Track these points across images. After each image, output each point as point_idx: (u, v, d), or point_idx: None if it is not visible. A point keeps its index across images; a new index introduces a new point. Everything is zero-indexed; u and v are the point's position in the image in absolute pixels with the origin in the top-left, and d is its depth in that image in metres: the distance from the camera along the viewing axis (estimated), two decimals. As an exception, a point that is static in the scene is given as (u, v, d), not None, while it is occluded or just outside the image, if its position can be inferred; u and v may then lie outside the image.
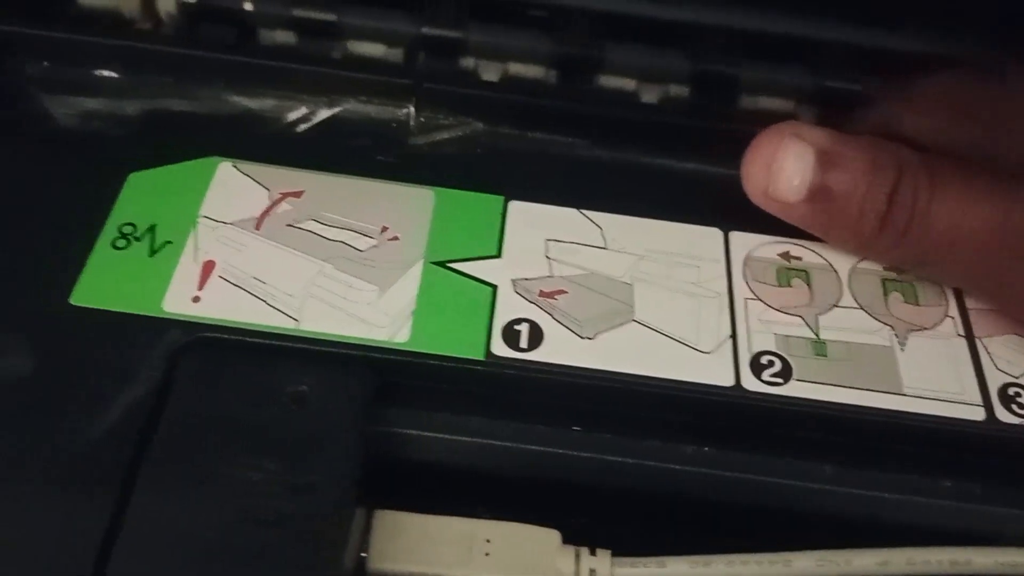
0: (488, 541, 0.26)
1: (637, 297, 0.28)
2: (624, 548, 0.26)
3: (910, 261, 0.28)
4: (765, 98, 0.38)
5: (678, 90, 0.38)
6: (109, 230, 0.28)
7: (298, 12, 0.38)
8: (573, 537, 0.26)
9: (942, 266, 0.27)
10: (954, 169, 0.27)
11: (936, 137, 0.28)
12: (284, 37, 0.39)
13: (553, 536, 0.26)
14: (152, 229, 0.28)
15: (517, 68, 0.38)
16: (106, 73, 0.34)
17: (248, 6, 0.38)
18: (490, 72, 0.38)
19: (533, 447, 0.26)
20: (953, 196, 0.26)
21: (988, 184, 0.26)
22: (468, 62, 0.38)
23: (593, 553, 0.26)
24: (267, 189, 0.29)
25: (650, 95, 0.38)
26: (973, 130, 0.29)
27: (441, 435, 0.26)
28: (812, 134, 0.27)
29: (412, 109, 0.34)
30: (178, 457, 0.24)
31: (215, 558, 0.22)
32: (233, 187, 0.29)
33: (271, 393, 0.25)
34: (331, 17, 0.38)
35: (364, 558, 0.25)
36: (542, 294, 0.28)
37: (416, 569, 0.25)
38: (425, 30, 0.37)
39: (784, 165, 0.27)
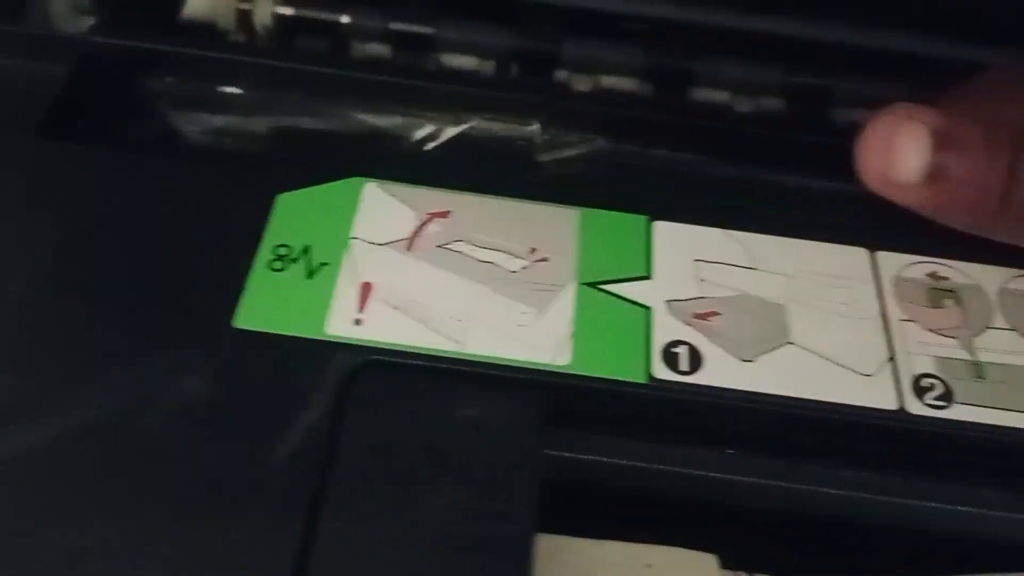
0: (649, 566, 0.26)
1: (791, 319, 0.28)
2: (783, 574, 0.26)
3: None
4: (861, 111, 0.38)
5: (771, 103, 0.38)
6: (264, 252, 0.28)
7: (394, 25, 0.38)
8: (731, 561, 0.26)
9: None
10: None
11: None
12: (377, 49, 0.39)
13: (711, 561, 0.26)
14: (307, 251, 0.28)
15: (610, 81, 0.38)
16: (231, 90, 0.34)
17: (345, 19, 0.38)
18: (582, 84, 0.38)
19: (693, 471, 0.26)
20: None
21: None
22: (561, 75, 0.38)
23: (752, 576, 0.26)
24: (414, 210, 0.29)
25: (743, 107, 0.38)
26: None
27: (602, 458, 0.26)
28: (926, 114, 0.26)
29: (538, 126, 0.34)
30: (360, 482, 0.24)
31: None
32: (381, 208, 0.29)
33: (444, 415, 0.25)
34: (427, 30, 0.38)
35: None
36: (697, 316, 0.28)
37: (577, 593, 0.25)
38: (521, 42, 0.37)
39: (901, 147, 0.26)
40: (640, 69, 0.38)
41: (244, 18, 0.39)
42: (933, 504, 0.26)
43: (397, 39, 0.39)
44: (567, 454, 0.26)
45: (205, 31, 0.39)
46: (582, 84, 0.39)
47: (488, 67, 0.39)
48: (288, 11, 0.39)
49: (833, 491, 0.26)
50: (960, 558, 0.26)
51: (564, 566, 0.25)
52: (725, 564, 0.26)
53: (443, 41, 0.39)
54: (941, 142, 0.26)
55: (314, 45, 0.40)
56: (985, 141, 0.26)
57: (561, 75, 0.39)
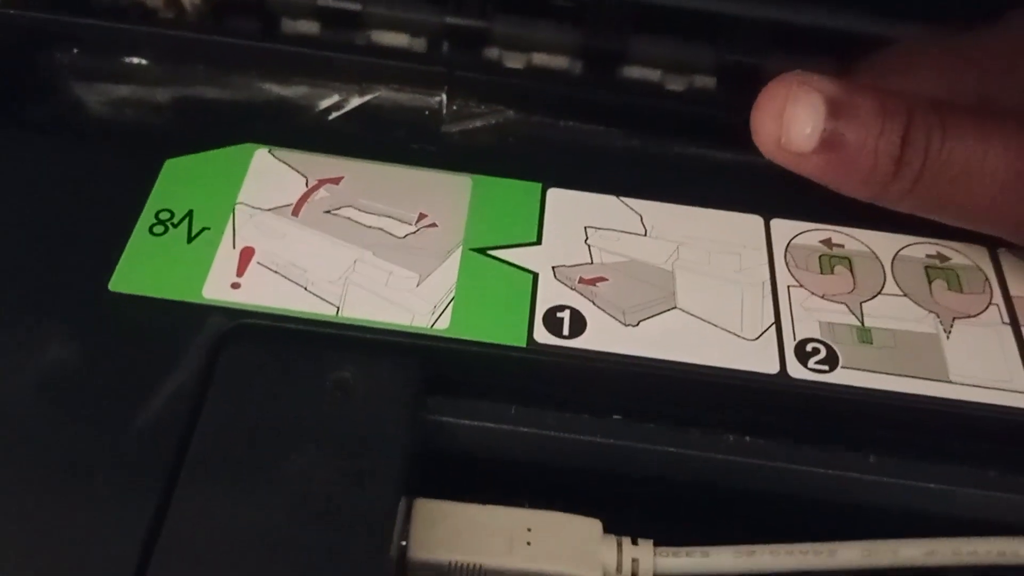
0: (529, 530, 0.25)
1: (679, 285, 0.28)
2: (667, 538, 0.26)
3: (927, 205, 0.27)
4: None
5: (703, 81, 0.38)
6: (146, 216, 0.27)
7: (322, 2, 0.38)
8: (615, 527, 0.26)
9: (960, 209, 0.27)
10: (964, 110, 0.26)
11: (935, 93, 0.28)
12: (307, 27, 0.39)
13: (595, 526, 0.26)
14: (189, 215, 0.27)
15: (541, 59, 0.38)
16: (137, 60, 0.34)
17: (272, -6, 0.38)
18: (514, 62, 0.38)
19: (575, 436, 0.26)
20: (967, 136, 0.26)
21: (999, 123, 0.26)
22: (492, 52, 0.38)
23: (635, 543, 0.25)
24: (304, 176, 0.29)
25: (675, 85, 0.38)
26: (968, 81, 0.29)
27: (481, 423, 0.26)
28: (820, 83, 0.26)
29: (444, 97, 0.33)
30: (222, 447, 0.23)
31: (261, 550, 0.22)
32: (270, 174, 0.29)
33: (315, 380, 0.25)
34: (355, 7, 0.38)
35: (404, 547, 0.24)
36: (583, 281, 0.27)
37: (457, 558, 0.25)
38: (450, 20, 0.37)
39: (795, 114, 0.26)
40: (570, 47, 0.38)
41: (172, -4, 0.38)
42: (815, 469, 0.26)
43: (326, 16, 0.39)
44: (446, 419, 0.26)
45: (133, 9, 0.39)
46: (513, 62, 0.39)
47: (419, 45, 0.39)
48: (214, -13, 0.39)
49: (716, 456, 0.26)
50: (841, 524, 0.26)
51: (443, 530, 0.25)
52: (609, 529, 0.26)
53: (372, 17, 0.39)
54: (835, 110, 0.26)
55: (243, 23, 0.39)
56: (880, 109, 0.26)
57: (492, 53, 0.39)
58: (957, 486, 0.26)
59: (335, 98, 0.33)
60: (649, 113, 0.33)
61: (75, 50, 0.34)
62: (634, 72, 0.39)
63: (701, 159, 0.32)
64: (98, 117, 0.32)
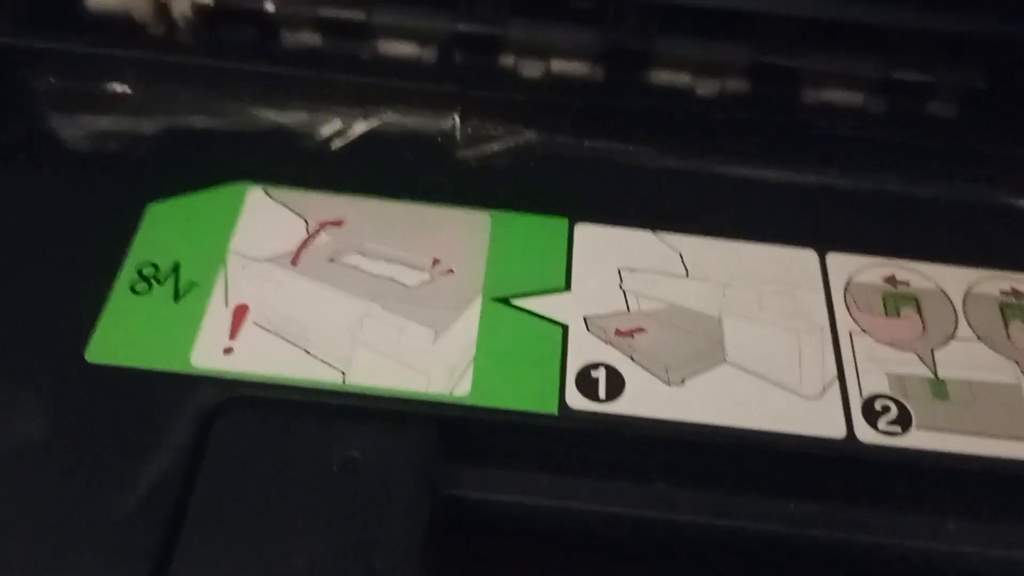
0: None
1: (727, 334, 0.25)
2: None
3: None
4: (829, 91, 0.35)
5: (736, 85, 0.35)
6: (127, 272, 0.25)
7: (324, 12, 0.35)
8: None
9: None
10: None
11: None
12: (309, 39, 0.36)
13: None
14: (176, 269, 0.25)
15: (560, 65, 0.35)
16: (119, 88, 0.31)
17: (270, 7, 0.36)
18: (531, 70, 0.35)
19: (614, 508, 0.23)
20: None
21: None
22: (508, 60, 0.35)
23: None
24: (303, 219, 0.26)
25: (706, 90, 0.35)
26: None
27: (510, 497, 0.23)
28: None
29: (457, 119, 0.31)
30: (215, 538, 0.21)
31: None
32: (265, 218, 0.26)
33: (319, 460, 0.22)
34: (360, 16, 0.35)
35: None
36: (619, 333, 0.24)
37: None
38: (461, 27, 0.34)
39: None
40: (591, 50, 0.35)
41: (162, 9, 0.36)
42: (890, 540, 0.23)
43: (329, 26, 0.36)
44: (471, 493, 0.23)
45: (119, 25, 0.36)
46: (531, 70, 0.36)
47: (429, 54, 0.36)
48: (207, 0, 0.36)
49: (775, 527, 0.23)
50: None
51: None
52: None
53: (378, 27, 0.36)
54: None
55: (239, 36, 0.37)
56: None
57: (507, 60, 0.36)
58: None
59: (337, 124, 0.31)
60: (682, 124, 0.31)
61: (51, 78, 0.31)
62: (662, 77, 0.36)
63: (744, 181, 0.29)
64: (76, 152, 0.29)
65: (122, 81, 0.31)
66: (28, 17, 0.33)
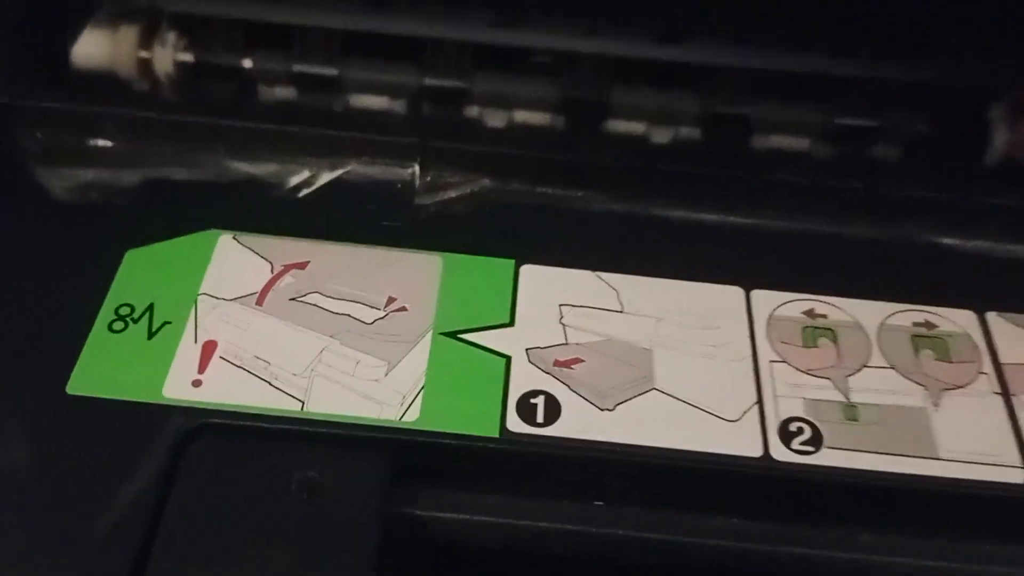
0: (511, 626, 0.24)
1: (656, 363, 0.27)
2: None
3: None
4: (777, 136, 0.37)
5: (689, 132, 0.37)
6: (106, 312, 0.27)
7: (298, 67, 0.37)
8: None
9: None
10: None
11: None
12: (284, 92, 0.38)
13: (579, 617, 0.25)
14: (150, 309, 0.27)
15: (523, 115, 0.37)
16: (102, 143, 0.33)
17: (247, 63, 0.38)
18: (495, 120, 0.37)
19: (554, 525, 0.25)
20: None
21: None
22: (473, 111, 0.37)
23: (620, 635, 0.24)
24: (269, 262, 0.28)
25: (660, 138, 0.37)
26: None
27: (457, 515, 0.25)
28: None
29: (417, 168, 0.33)
30: (184, 554, 0.22)
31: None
32: (234, 261, 0.28)
33: (281, 480, 0.24)
34: (332, 72, 0.37)
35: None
36: (558, 363, 0.27)
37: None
38: (428, 81, 0.36)
39: None
40: (551, 102, 0.37)
41: (145, 66, 0.38)
42: (806, 550, 0.25)
43: (303, 81, 0.38)
44: (420, 512, 0.25)
45: (104, 81, 0.38)
46: (495, 119, 0.39)
47: (399, 106, 0.38)
48: (188, 58, 0.38)
49: (703, 541, 0.25)
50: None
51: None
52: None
53: (350, 81, 0.38)
54: None
55: (219, 91, 0.39)
56: None
57: (472, 111, 0.39)
58: (953, 561, 0.26)
59: (305, 174, 0.33)
60: (627, 172, 0.33)
61: (37, 134, 0.33)
62: (619, 126, 0.38)
63: (681, 223, 0.31)
64: (61, 203, 0.31)
65: (104, 136, 0.33)
66: (17, 74, 0.35)
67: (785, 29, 0.37)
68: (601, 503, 0.26)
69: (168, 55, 0.37)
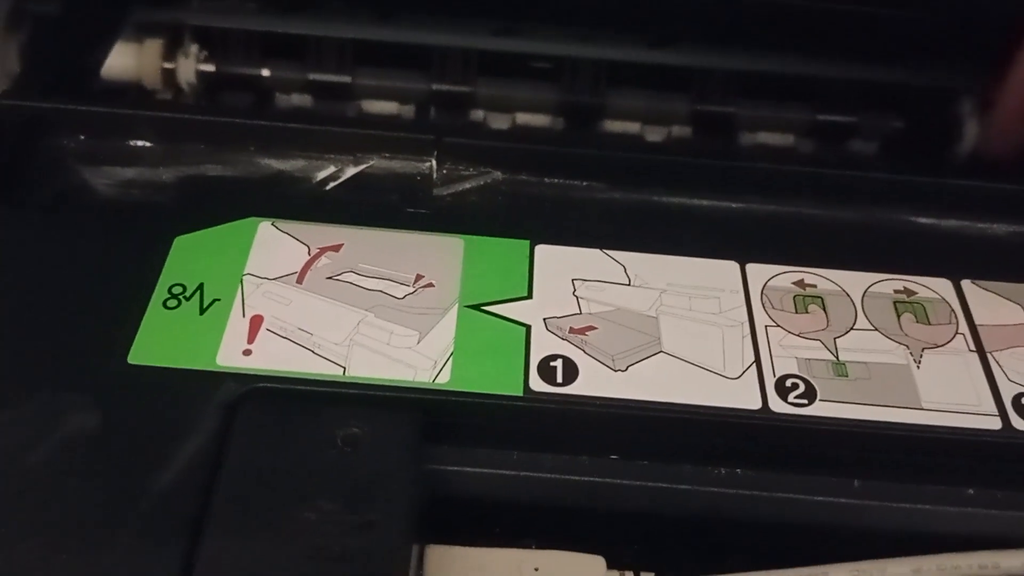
0: (536, 570, 0.27)
1: (663, 330, 0.29)
2: (668, 571, 0.27)
3: None
4: (764, 133, 0.40)
5: (680, 131, 0.40)
6: (160, 292, 0.29)
7: (313, 75, 0.40)
8: (617, 562, 0.27)
9: None
10: None
11: None
12: (300, 100, 0.41)
13: (598, 563, 0.27)
14: (200, 288, 0.29)
15: (524, 118, 0.40)
16: (140, 143, 0.35)
17: (265, 72, 0.40)
18: (499, 123, 0.41)
19: (573, 477, 0.28)
20: None
21: None
22: (478, 115, 0.41)
23: (638, 576, 0.27)
24: (306, 245, 0.31)
25: (654, 136, 0.40)
26: None
27: (484, 470, 0.28)
28: None
29: (434, 162, 0.35)
30: (242, 504, 0.25)
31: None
32: (274, 245, 0.31)
33: (325, 437, 0.26)
34: (345, 79, 0.40)
35: (419, 591, 0.26)
36: (573, 331, 0.29)
37: (468, 600, 0.26)
38: (435, 86, 0.39)
39: None
40: (551, 105, 0.40)
41: (169, 76, 0.40)
42: (804, 496, 0.28)
43: (317, 89, 0.41)
44: (451, 467, 0.27)
45: (131, 90, 0.41)
46: (499, 122, 0.41)
47: (408, 111, 0.41)
48: (210, 68, 0.41)
49: (709, 488, 0.28)
50: (831, 547, 0.27)
51: (455, 574, 0.27)
52: (612, 565, 0.27)
53: (362, 88, 0.41)
54: None
55: (239, 99, 0.41)
56: None
57: (477, 115, 0.41)
58: (936, 505, 0.28)
59: (331, 169, 0.35)
60: (627, 165, 0.35)
61: (80, 136, 0.35)
62: (615, 126, 0.41)
63: (679, 208, 0.34)
64: (108, 199, 0.34)
65: (142, 138, 0.36)
66: (53, 85, 0.38)
67: (769, 34, 0.40)
68: (616, 457, 0.28)
69: (191, 66, 0.40)
